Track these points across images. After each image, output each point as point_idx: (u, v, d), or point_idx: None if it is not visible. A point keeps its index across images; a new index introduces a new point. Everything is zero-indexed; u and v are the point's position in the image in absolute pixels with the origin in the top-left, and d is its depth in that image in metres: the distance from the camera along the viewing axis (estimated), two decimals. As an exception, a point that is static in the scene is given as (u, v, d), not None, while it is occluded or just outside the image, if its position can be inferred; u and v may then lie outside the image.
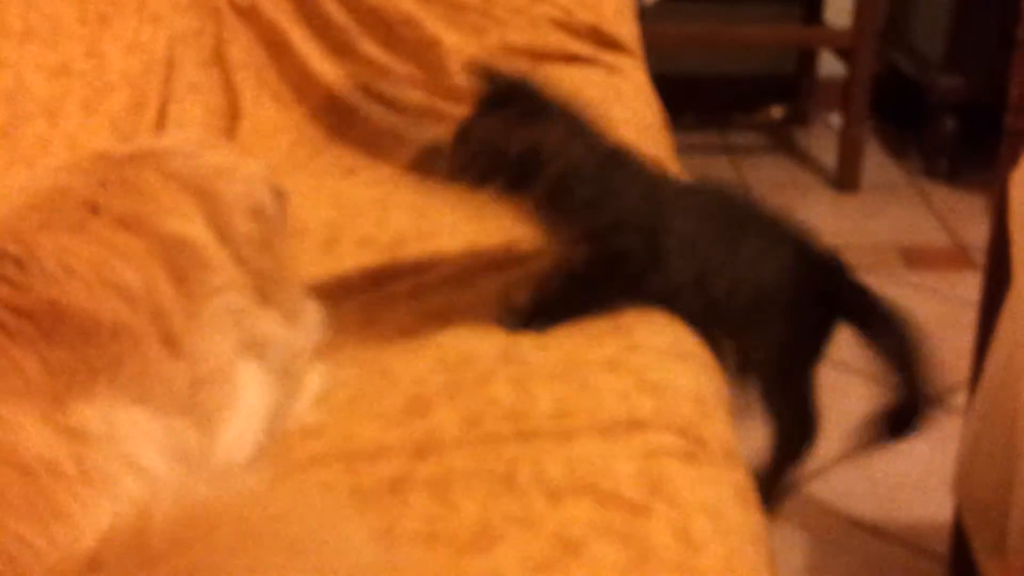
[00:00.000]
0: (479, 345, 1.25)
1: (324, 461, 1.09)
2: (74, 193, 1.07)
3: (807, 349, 1.43)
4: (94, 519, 0.86)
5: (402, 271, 1.41)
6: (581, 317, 1.27)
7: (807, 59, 3.68)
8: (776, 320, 1.36)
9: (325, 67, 1.93)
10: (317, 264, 1.45)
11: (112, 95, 1.78)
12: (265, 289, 1.17)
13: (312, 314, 1.28)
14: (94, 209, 1.05)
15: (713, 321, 1.32)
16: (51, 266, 0.97)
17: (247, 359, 1.11)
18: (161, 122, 1.79)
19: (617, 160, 1.31)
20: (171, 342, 1.02)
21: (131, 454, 0.92)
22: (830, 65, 3.55)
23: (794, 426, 1.45)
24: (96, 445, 0.91)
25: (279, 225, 1.24)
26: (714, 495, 1.05)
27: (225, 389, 1.07)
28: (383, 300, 1.36)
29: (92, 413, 0.92)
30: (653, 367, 1.21)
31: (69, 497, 0.87)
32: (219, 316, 1.09)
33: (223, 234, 1.14)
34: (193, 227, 1.10)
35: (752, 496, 1.12)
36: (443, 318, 1.31)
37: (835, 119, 3.55)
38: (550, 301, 1.28)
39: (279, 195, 1.26)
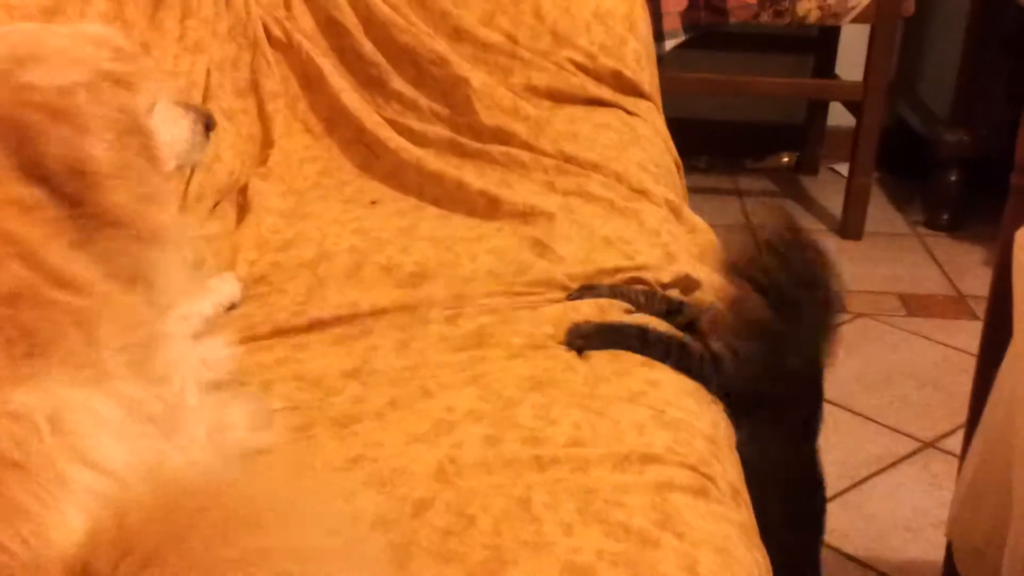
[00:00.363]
0: (507, 370, 1.29)
1: (348, 472, 1.12)
2: None
3: None
4: (56, 517, 0.85)
5: (434, 298, 1.46)
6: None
7: (817, 110, 3.75)
8: None
9: (355, 101, 2.00)
10: (342, 289, 1.50)
11: (150, 119, 1.83)
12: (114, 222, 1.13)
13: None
14: None
15: None
16: None
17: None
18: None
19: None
20: (64, 281, 1.01)
21: (81, 447, 0.91)
22: (839, 116, 3.62)
23: None
24: (41, 438, 0.88)
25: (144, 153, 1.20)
26: (721, 532, 1.08)
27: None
28: (416, 324, 1.41)
29: (28, 400, 0.90)
30: (671, 404, 1.25)
31: (27, 494, 0.84)
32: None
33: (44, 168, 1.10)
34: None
35: (756, 536, 1.15)
36: (474, 343, 1.36)
37: (842, 168, 3.61)
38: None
39: (197, 112, 1.25)
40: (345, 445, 1.17)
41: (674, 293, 1.53)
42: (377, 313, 1.44)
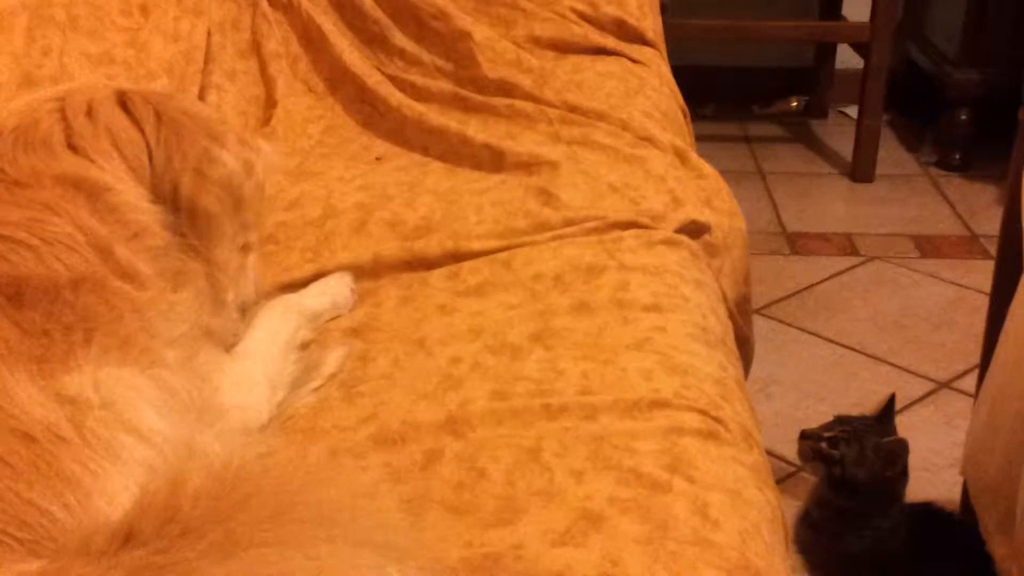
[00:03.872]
0: (512, 322, 1.30)
1: (356, 431, 1.13)
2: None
3: None
4: (103, 485, 0.86)
5: (438, 252, 1.46)
6: None
7: (825, 52, 3.72)
8: None
9: (356, 60, 1.98)
10: (348, 244, 1.50)
11: (152, 83, 1.82)
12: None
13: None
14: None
15: None
16: None
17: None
18: (200, 109, 1.85)
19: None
20: (127, 274, 1.04)
21: (127, 416, 0.93)
22: (847, 58, 3.59)
23: None
24: (91, 411, 0.90)
25: (251, 201, 1.24)
26: (732, 474, 1.08)
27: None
28: (420, 279, 1.41)
29: (81, 380, 0.92)
30: (678, 348, 1.25)
31: (75, 463, 0.86)
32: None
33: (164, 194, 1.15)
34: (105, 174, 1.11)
35: (769, 477, 1.15)
36: (477, 296, 1.36)
37: (851, 111, 3.59)
38: None
39: (259, 168, 1.26)
40: (354, 405, 1.18)
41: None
42: (381, 268, 1.44)
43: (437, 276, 1.42)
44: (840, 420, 1.63)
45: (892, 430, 1.63)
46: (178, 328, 1.08)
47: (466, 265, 1.43)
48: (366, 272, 1.44)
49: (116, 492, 0.87)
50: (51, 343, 0.93)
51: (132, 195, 1.11)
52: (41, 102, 1.15)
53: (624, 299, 1.33)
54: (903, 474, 1.62)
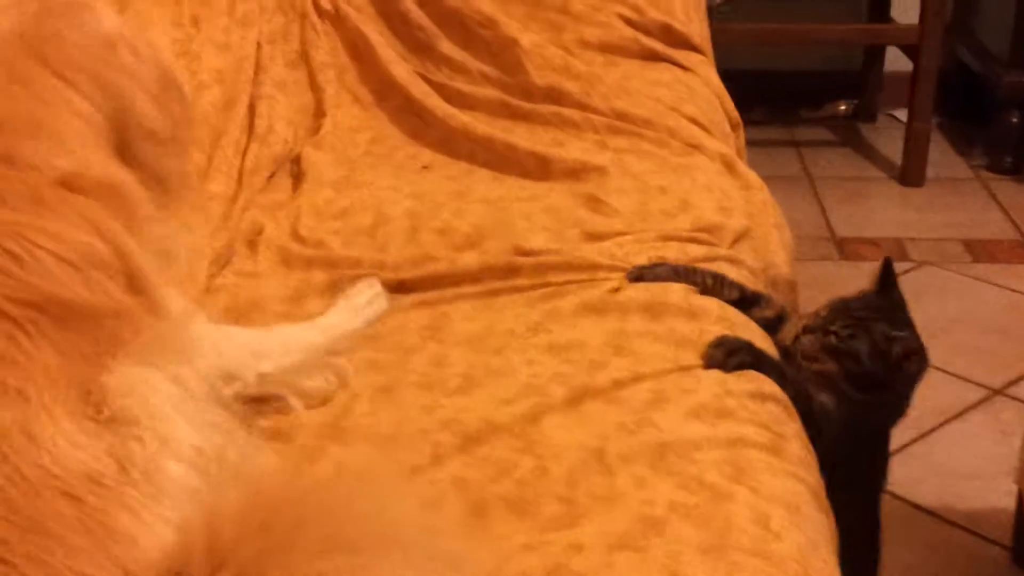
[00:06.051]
0: (589, 333, 1.30)
1: (435, 433, 1.14)
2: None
3: None
4: (151, 530, 0.85)
5: (493, 259, 1.47)
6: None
7: (874, 55, 3.69)
8: None
9: (403, 71, 1.99)
10: (401, 251, 1.51)
11: (204, 93, 1.84)
12: (164, 189, 1.14)
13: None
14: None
15: None
16: (42, 257, 0.95)
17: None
18: (250, 118, 1.86)
19: None
20: (154, 309, 1.04)
21: (165, 432, 0.92)
22: (896, 61, 3.56)
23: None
24: (130, 431, 0.89)
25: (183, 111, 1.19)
26: (793, 489, 1.09)
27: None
28: (498, 290, 1.42)
29: (118, 397, 0.92)
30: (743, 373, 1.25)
31: (122, 511, 0.84)
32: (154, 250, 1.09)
33: (126, 137, 1.11)
34: (118, 171, 1.08)
35: (825, 501, 1.15)
36: (553, 307, 1.36)
37: (900, 114, 3.56)
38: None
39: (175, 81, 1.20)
40: (429, 411, 1.19)
41: (744, 274, 1.50)
42: (440, 276, 1.45)
43: (505, 283, 1.43)
44: (838, 308, 1.46)
45: (898, 300, 1.51)
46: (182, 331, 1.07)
47: (523, 273, 1.44)
48: (451, 281, 1.45)
49: (164, 534, 0.85)
50: (88, 366, 0.93)
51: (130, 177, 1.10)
52: None
53: (697, 314, 1.34)
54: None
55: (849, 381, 1.40)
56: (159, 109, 1.15)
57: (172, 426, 0.94)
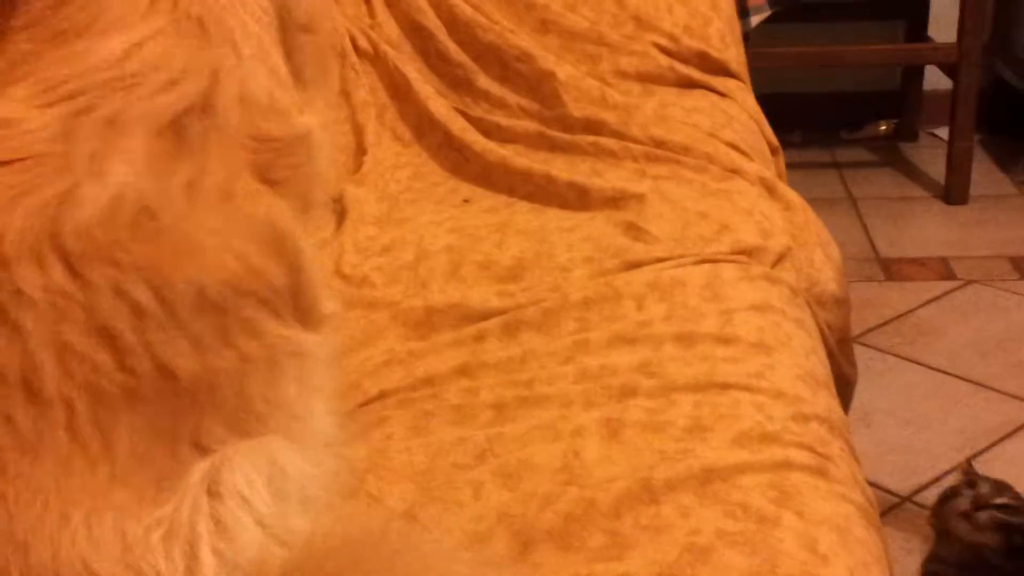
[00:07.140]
0: (620, 359, 1.30)
1: (470, 468, 1.14)
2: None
3: None
4: None
5: (534, 290, 1.47)
6: None
7: (912, 74, 3.68)
8: None
9: (442, 108, 2.01)
10: (444, 289, 1.52)
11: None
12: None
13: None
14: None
15: None
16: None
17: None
18: (293, 159, 1.89)
19: None
20: (310, 322, 0.94)
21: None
22: (935, 79, 3.55)
23: None
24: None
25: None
26: (841, 511, 1.08)
27: None
28: (518, 318, 1.42)
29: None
30: (788, 387, 1.25)
31: None
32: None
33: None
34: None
35: (875, 517, 1.14)
36: (581, 336, 1.36)
37: (942, 132, 3.54)
38: None
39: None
40: (465, 443, 1.18)
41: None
42: (478, 310, 1.45)
43: (537, 321, 1.42)
44: (992, 483, 1.63)
45: None
46: None
47: (566, 303, 1.44)
48: (477, 314, 1.45)
49: None
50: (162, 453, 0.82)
51: None
52: None
53: (730, 335, 1.34)
54: None
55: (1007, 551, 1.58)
56: None
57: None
